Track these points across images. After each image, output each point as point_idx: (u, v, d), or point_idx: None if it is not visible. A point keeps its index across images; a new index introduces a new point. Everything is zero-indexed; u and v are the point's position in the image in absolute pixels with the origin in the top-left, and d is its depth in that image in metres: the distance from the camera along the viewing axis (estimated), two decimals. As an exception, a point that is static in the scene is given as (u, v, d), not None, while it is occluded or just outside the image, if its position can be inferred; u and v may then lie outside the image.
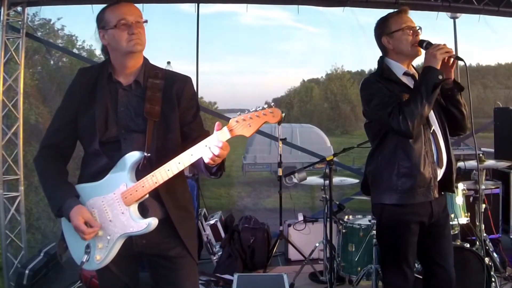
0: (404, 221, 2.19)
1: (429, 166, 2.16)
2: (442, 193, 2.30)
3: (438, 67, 2.06)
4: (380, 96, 2.15)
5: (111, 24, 1.74)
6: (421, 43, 2.16)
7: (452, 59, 2.12)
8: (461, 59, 2.12)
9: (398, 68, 2.24)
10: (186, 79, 1.87)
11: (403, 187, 2.16)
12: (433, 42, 2.14)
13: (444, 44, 2.09)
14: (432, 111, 2.22)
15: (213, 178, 1.78)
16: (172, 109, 1.80)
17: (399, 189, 2.17)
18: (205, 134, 1.73)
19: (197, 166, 1.74)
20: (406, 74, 2.24)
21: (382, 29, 2.26)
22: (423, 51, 2.18)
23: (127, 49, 1.74)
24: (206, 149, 1.62)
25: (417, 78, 2.22)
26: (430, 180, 2.16)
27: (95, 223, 1.71)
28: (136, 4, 1.84)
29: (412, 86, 2.20)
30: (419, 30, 2.21)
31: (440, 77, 2.06)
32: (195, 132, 1.81)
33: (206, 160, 1.63)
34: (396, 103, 2.10)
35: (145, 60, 1.86)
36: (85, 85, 1.81)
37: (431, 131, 2.21)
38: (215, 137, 1.62)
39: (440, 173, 2.22)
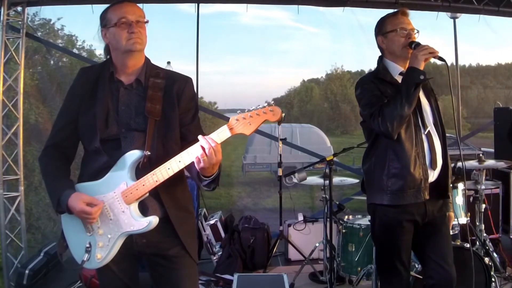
0: (397, 219, 2.20)
1: (420, 167, 2.16)
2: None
3: (421, 68, 2.08)
4: (369, 96, 2.19)
5: (112, 22, 1.75)
6: (411, 44, 2.18)
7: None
8: (443, 60, 2.14)
9: (394, 68, 2.26)
10: (187, 80, 1.88)
11: (392, 187, 2.17)
12: (429, 43, 2.15)
13: (428, 45, 2.10)
14: (429, 113, 2.24)
15: (205, 189, 1.78)
16: (172, 109, 1.80)
17: (389, 190, 2.18)
18: None
19: (191, 174, 1.75)
20: (402, 74, 2.24)
21: (379, 29, 2.29)
22: None
23: (126, 47, 1.75)
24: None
25: None
26: (420, 181, 2.16)
27: (97, 201, 1.71)
28: (136, 4, 1.85)
29: None
30: (416, 33, 2.22)
31: (422, 77, 2.07)
32: (192, 135, 1.79)
33: (195, 159, 1.62)
34: (380, 104, 2.12)
35: (147, 59, 1.86)
36: (86, 84, 1.82)
37: (426, 132, 2.21)
38: (215, 135, 1.62)
39: (434, 175, 2.22)
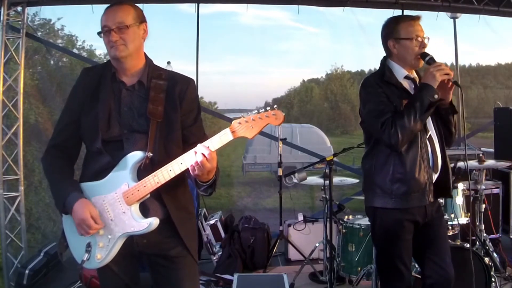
0: (397, 220, 2.20)
1: (425, 171, 2.16)
2: (442, 199, 2.30)
3: (436, 86, 2.07)
4: (376, 102, 2.16)
5: (101, 29, 1.76)
6: (424, 56, 2.15)
7: (451, 83, 2.12)
8: (458, 85, 2.14)
9: (399, 71, 2.24)
10: (189, 81, 1.87)
11: (397, 192, 2.17)
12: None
13: (446, 65, 2.10)
14: (429, 117, 2.23)
15: (202, 194, 1.79)
16: (174, 110, 1.80)
17: (393, 194, 2.17)
18: (205, 140, 1.73)
19: (190, 177, 1.75)
20: (407, 77, 2.24)
21: (390, 31, 2.24)
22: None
23: (110, 54, 1.77)
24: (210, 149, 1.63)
25: (417, 82, 2.23)
26: (425, 185, 2.16)
27: (100, 221, 1.72)
28: (136, 4, 1.84)
29: (411, 90, 2.21)
30: (426, 41, 2.19)
31: (436, 96, 2.07)
32: (194, 137, 1.79)
33: (190, 167, 1.63)
34: (391, 113, 2.11)
35: (149, 60, 1.86)
36: (88, 84, 1.83)
37: (428, 136, 2.21)
38: (217, 138, 1.62)
39: (434, 178, 2.22)
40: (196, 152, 1.61)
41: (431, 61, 2.13)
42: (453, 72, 2.10)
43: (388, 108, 2.13)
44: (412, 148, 2.14)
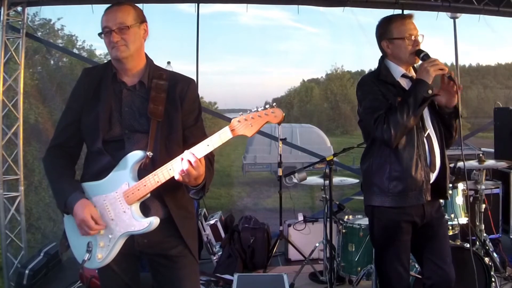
0: (395, 220, 2.20)
1: (422, 169, 2.15)
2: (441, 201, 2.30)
3: (430, 82, 2.07)
4: (372, 99, 2.17)
5: (102, 30, 1.77)
6: (419, 53, 2.16)
7: (450, 80, 2.12)
8: (453, 80, 2.13)
9: (396, 70, 2.24)
10: (190, 81, 1.88)
11: (394, 190, 2.16)
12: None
13: (437, 60, 2.10)
14: (428, 115, 2.23)
15: (192, 198, 1.79)
16: (175, 110, 1.80)
17: (390, 192, 2.17)
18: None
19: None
20: (404, 76, 2.24)
21: (384, 31, 2.25)
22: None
23: (112, 55, 1.77)
24: (209, 149, 1.63)
25: None
26: (422, 183, 2.16)
27: (102, 222, 1.72)
28: (136, 4, 1.84)
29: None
30: (420, 38, 2.20)
31: (430, 91, 2.07)
32: (194, 137, 1.79)
33: (176, 176, 1.62)
34: (385, 110, 2.11)
35: (149, 61, 1.86)
36: (89, 85, 1.83)
37: (426, 134, 2.20)
38: (216, 136, 1.62)
39: (432, 177, 2.22)
40: (182, 159, 1.61)
41: (425, 57, 2.13)
42: (447, 68, 2.10)
43: (383, 105, 2.13)
44: (409, 146, 2.14)
